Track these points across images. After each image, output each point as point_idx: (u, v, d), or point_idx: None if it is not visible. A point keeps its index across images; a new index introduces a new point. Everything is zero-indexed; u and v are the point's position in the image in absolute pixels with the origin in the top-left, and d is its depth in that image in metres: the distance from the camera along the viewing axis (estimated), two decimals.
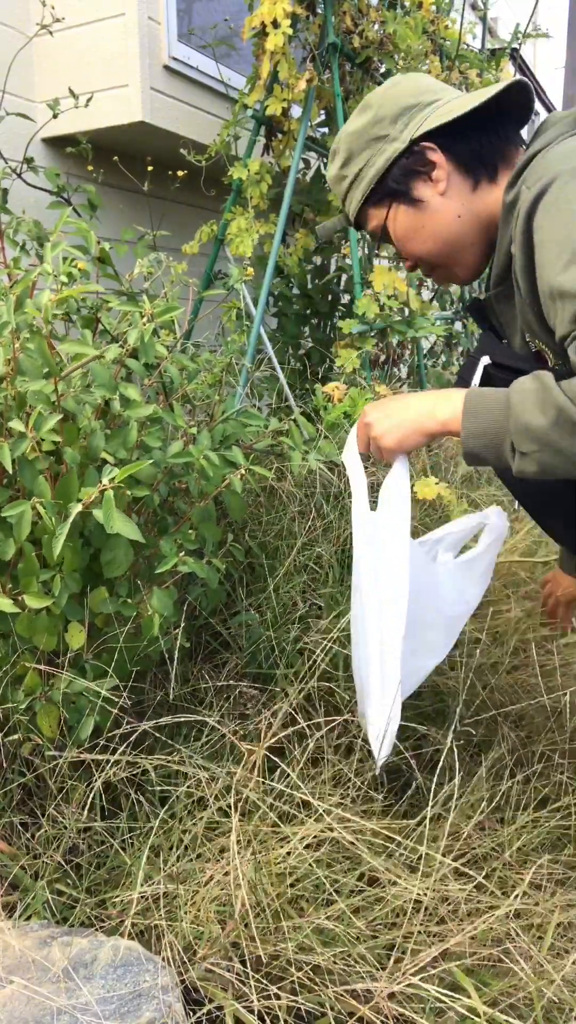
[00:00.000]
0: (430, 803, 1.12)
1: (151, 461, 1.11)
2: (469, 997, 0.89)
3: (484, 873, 1.09)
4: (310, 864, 1.03)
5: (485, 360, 1.16)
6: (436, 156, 1.08)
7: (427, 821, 1.08)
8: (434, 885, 1.01)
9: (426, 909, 1.00)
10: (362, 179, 1.13)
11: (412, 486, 1.77)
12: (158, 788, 1.18)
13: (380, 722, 1.14)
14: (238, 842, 1.04)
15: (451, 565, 1.26)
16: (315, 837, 1.06)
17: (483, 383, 1.15)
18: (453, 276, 1.17)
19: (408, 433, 1.06)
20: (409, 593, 1.09)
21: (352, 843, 1.05)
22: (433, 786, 1.15)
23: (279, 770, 1.17)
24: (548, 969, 0.94)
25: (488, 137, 1.08)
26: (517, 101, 1.07)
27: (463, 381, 1.19)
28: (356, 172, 1.13)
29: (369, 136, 1.11)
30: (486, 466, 1.04)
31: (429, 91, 1.10)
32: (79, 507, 1.00)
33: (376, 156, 1.10)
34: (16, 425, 1.04)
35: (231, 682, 1.39)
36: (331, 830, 1.05)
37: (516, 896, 1.03)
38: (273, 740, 1.15)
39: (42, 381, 1.09)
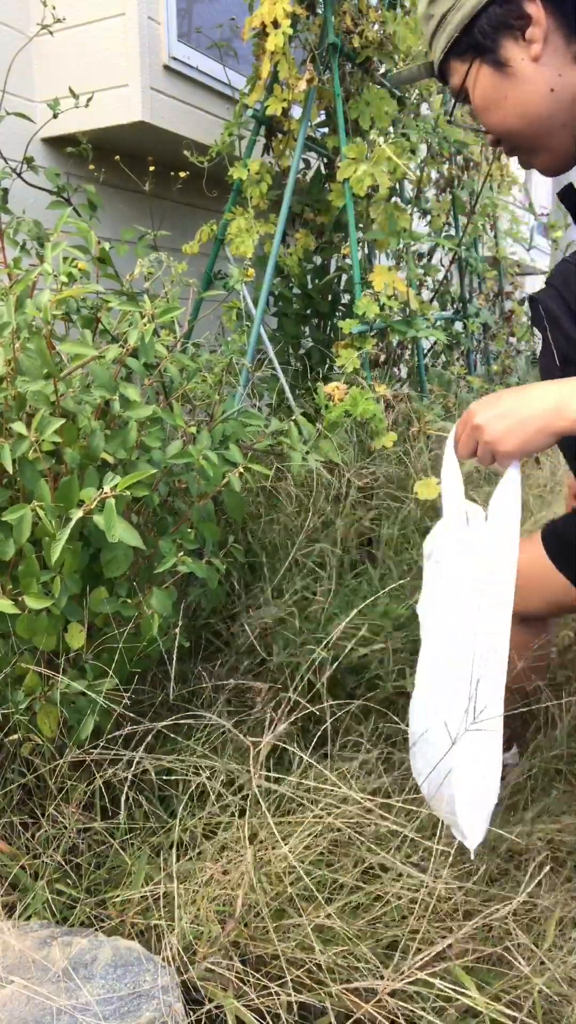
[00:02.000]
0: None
1: (153, 471, 1.11)
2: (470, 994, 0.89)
3: (483, 869, 1.09)
4: (310, 863, 1.03)
5: None
6: (534, 8, 0.86)
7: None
8: (442, 880, 1.01)
9: (427, 906, 1.00)
10: (448, 23, 0.93)
11: (413, 486, 1.77)
12: (160, 781, 1.18)
13: (477, 783, 0.94)
14: (238, 840, 1.04)
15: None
16: (317, 831, 1.06)
17: None
18: (536, 161, 0.98)
19: (532, 434, 0.87)
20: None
21: (358, 828, 1.04)
22: None
23: (283, 763, 1.16)
24: (549, 966, 0.94)
25: None
26: None
27: (568, 311, 0.94)
28: (443, 13, 0.93)
29: None
30: None
31: None
32: (79, 513, 1.00)
33: None
34: (18, 428, 1.04)
35: (233, 680, 1.39)
36: (336, 823, 1.05)
37: (518, 896, 1.03)
38: (280, 731, 1.14)
39: (42, 381, 1.09)
